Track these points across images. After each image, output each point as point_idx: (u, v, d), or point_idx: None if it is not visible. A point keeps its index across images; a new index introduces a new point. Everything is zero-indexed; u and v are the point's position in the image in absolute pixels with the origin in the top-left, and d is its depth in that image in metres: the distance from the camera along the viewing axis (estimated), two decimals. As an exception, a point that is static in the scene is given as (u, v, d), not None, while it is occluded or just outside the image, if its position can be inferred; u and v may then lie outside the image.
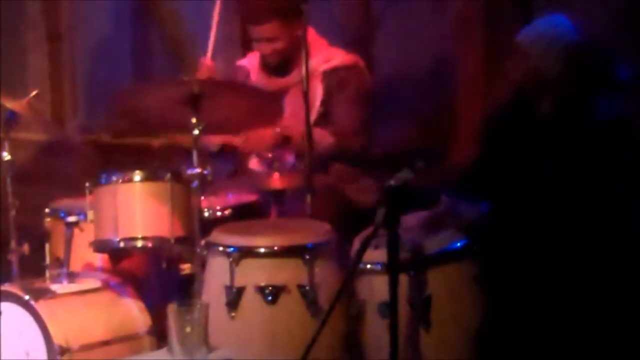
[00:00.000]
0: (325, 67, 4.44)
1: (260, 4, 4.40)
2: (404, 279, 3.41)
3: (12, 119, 4.25)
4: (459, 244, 3.54)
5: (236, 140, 4.45)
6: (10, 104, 4.25)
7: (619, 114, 3.17)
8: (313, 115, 4.34)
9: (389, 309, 3.27)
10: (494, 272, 3.41)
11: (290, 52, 4.39)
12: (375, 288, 3.50)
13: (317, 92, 4.40)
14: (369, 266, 3.49)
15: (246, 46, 5.05)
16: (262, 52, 4.47)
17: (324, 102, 4.42)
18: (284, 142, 4.18)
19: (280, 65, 4.47)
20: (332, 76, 4.44)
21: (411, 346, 3.40)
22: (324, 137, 4.30)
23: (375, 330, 3.50)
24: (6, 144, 4.23)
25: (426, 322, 3.47)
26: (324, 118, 4.40)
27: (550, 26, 3.27)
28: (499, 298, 3.38)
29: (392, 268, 3.28)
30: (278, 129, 4.21)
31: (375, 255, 3.43)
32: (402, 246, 3.35)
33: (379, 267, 3.47)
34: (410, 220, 3.54)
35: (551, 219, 3.15)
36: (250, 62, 4.62)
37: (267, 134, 4.25)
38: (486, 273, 3.45)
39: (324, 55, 4.44)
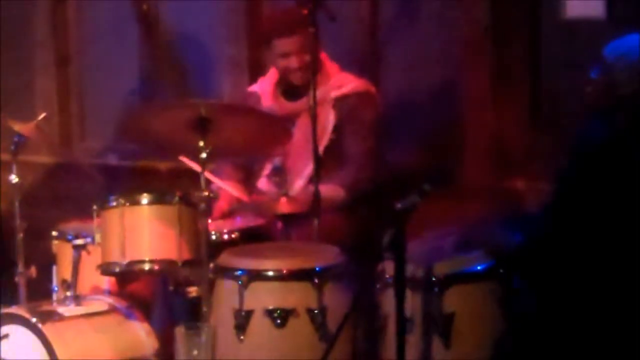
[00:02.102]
0: (336, 93, 4.44)
1: (289, 16, 4.38)
2: (427, 296, 3.45)
3: (20, 141, 4.27)
4: (484, 265, 3.54)
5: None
6: (18, 127, 4.27)
7: None
8: (324, 142, 4.35)
9: (398, 332, 3.27)
10: (520, 298, 3.43)
11: (310, 70, 4.39)
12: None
13: (330, 119, 4.40)
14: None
15: (253, 71, 5.07)
16: (290, 66, 4.42)
17: (336, 129, 4.42)
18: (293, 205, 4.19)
19: (297, 87, 4.46)
20: (343, 103, 4.44)
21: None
22: (335, 192, 4.31)
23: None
24: (14, 167, 4.25)
25: (447, 339, 3.48)
26: (336, 144, 4.40)
27: (637, 44, 3.31)
28: (523, 322, 3.39)
29: (399, 293, 3.28)
30: (284, 195, 4.21)
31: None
32: (428, 263, 3.40)
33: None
34: (441, 239, 3.56)
35: (612, 249, 3.12)
36: (262, 88, 4.61)
37: (275, 201, 4.24)
38: (511, 297, 3.47)
39: (336, 81, 4.45)
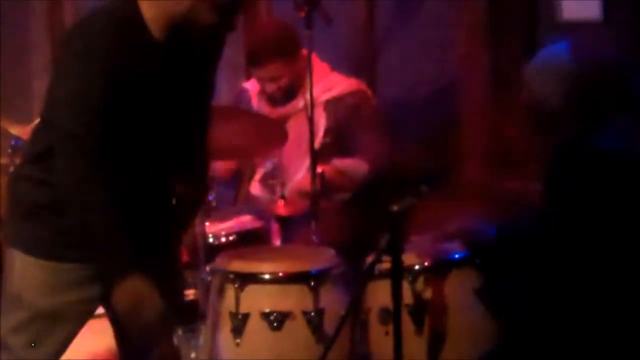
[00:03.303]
0: (327, 96, 4.42)
1: (259, 46, 4.40)
2: (402, 284, 3.38)
3: (17, 145, 4.27)
4: (459, 255, 3.57)
5: None
6: (15, 130, 4.27)
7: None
8: (316, 145, 4.34)
9: (393, 321, 3.27)
10: (498, 289, 3.44)
11: (295, 84, 4.40)
12: (379, 293, 3.49)
13: (320, 122, 4.38)
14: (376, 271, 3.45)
15: (250, 72, 5.06)
16: (267, 90, 4.46)
17: (330, 132, 4.41)
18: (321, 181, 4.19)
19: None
20: (338, 105, 4.43)
21: (406, 352, 3.40)
22: (359, 166, 4.33)
23: (377, 336, 3.55)
24: (12, 170, 4.24)
25: (421, 327, 3.51)
26: (330, 148, 4.39)
27: (550, 56, 3.17)
28: (501, 314, 3.40)
29: (395, 295, 3.27)
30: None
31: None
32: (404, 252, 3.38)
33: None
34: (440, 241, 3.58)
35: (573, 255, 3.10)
36: (253, 87, 4.62)
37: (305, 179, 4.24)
38: (489, 288, 3.49)
39: (325, 84, 4.42)
